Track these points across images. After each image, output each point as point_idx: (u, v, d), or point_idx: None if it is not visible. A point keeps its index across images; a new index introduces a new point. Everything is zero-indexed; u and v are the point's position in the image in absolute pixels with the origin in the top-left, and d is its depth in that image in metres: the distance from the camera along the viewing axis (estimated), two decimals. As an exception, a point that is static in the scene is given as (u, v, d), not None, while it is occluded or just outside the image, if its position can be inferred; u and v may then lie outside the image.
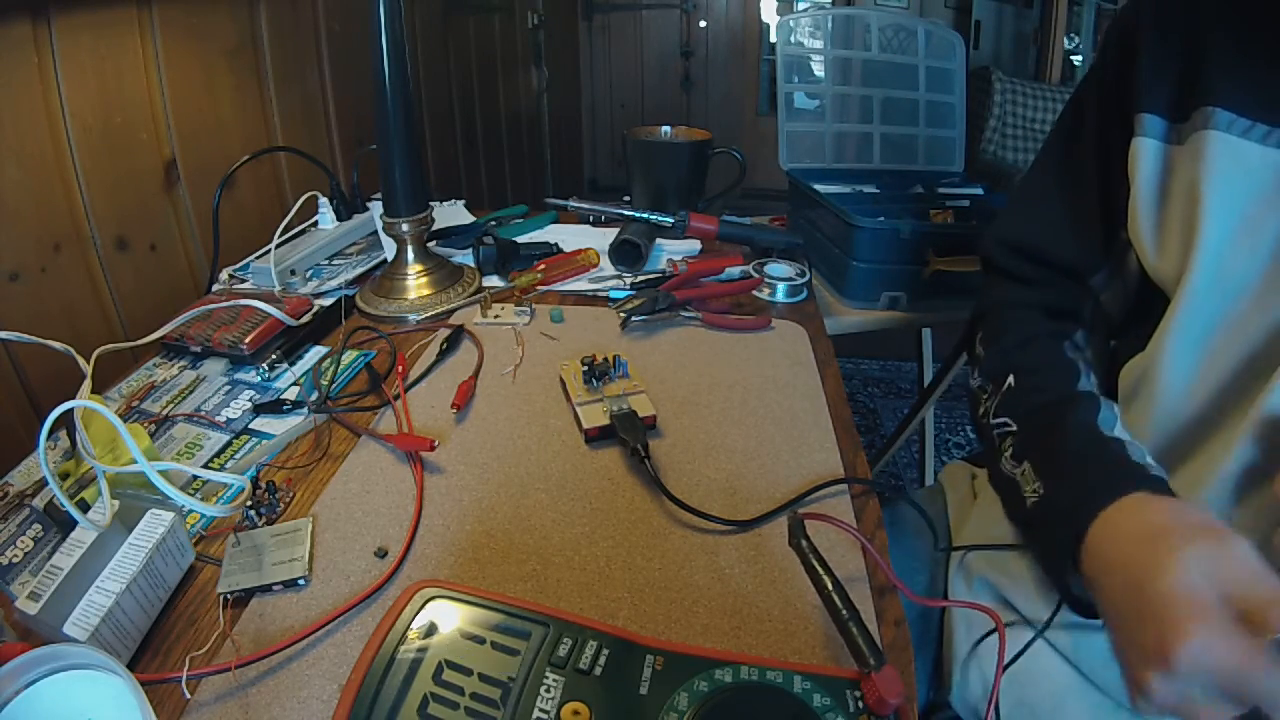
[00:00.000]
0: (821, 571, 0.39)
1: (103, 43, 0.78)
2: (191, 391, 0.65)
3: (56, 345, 0.53)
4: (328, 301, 0.79)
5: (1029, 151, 2.61)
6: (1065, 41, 2.88)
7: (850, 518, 0.51)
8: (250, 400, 0.64)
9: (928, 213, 1.17)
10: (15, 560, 0.46)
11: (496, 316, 0.78)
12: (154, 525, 0.43)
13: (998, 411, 0.52)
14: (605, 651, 0.35)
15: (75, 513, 0.42)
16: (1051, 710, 0.50)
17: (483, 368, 0.69)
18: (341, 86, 1.24)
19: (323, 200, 0.93)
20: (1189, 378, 0.45)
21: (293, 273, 0.84)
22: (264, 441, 0.59)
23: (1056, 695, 0.51)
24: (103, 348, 0.59)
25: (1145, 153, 0.48)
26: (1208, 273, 0.43)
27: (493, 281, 0.87)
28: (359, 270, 0.87)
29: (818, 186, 1.22)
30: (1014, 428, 0.50)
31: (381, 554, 0.48)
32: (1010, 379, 0.52)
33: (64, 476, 0.50)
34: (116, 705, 0.33)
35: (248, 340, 0.68)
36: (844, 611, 0.37)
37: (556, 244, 0.94)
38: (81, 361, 0.54)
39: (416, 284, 0.81)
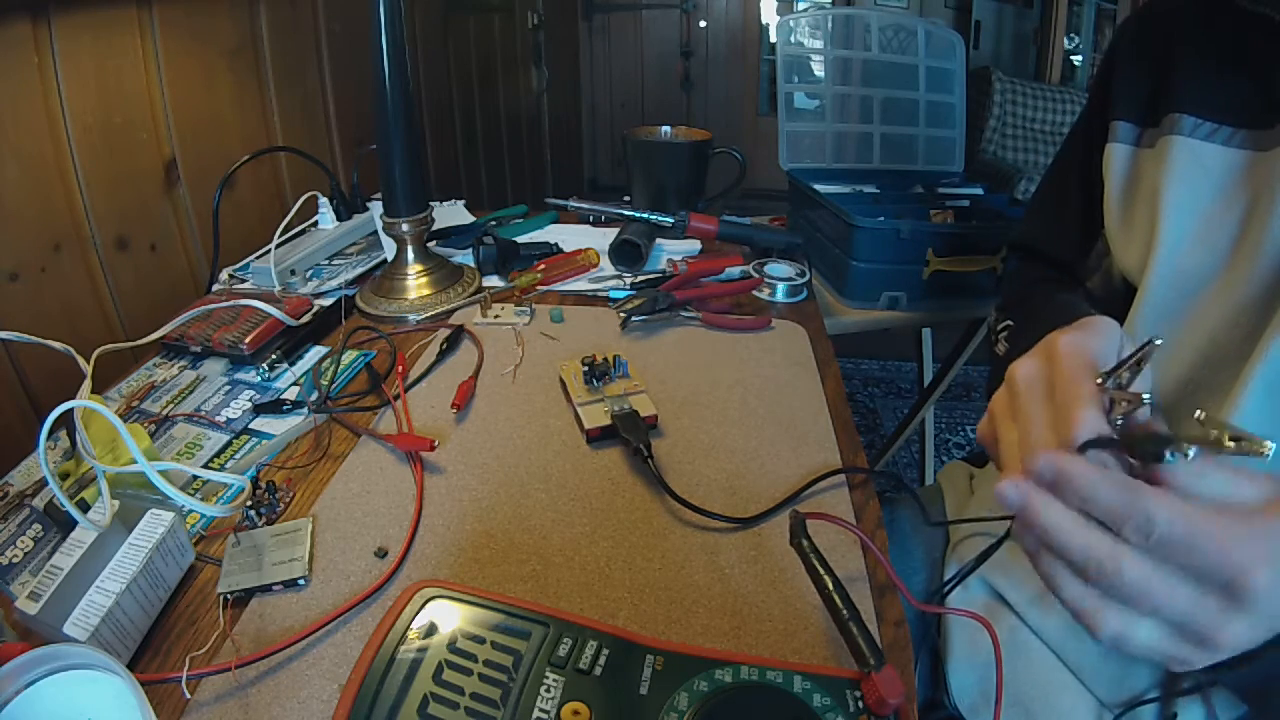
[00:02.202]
0: (822, 571, 0.39)
1: (103, 43, 0.78)
2: (191, 391, 0.65)
3: (56, 345, 0.53)
4: (328, 301, 0.79)
5: (1029, 151, 2.62)
6: (1065, 41, 2.89)
7: (850, 518, 0.51)
8: (250, 400, 0.64)
9: (928, 213, 1.17)
10: (15, 560, 0.46)
11: (496, 316, 0.78)
12: (154, 525, 0.43)
13: (1003, 319, 0.60)
14: (605, 651, 0.35)
15: (75, 513, 0.42)
16: (1042, 703, 0.51)
17: (483, 368, 0.69)
18: (341, 86, 1.24)
19: (323, 200, 0.93)
20: (1153, 370, 0.46)
21: (293, 273, 0.84)
22: (264, 441, 0.59)
23: (1043, 687, 0.51)
24: (103, 348, 0.59)
25: (1116, 157, 0.51)
26: (1165, 268, 0.45)
27: (493, 281, 0.87)
28: (359, 270, 0.87)
29: (818, 186, 1.22)
30: (1012, 324, 0.58)
31: (381, 554, 0.48)
32: (1020, 303, 0.61)
33: (64, 476, 0.50)
34: (116, 705, 0.33)
35: (248, 340, 0.68)
36: (844, 611, 0.37)
37: (556, 244, 0.94)
38: (81, 361, 0.54)
39: (416, 284, 0.81)
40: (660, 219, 0.92)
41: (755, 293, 0.84)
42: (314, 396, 0.63)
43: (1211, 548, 0.27)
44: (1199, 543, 0.27)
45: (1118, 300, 0.56)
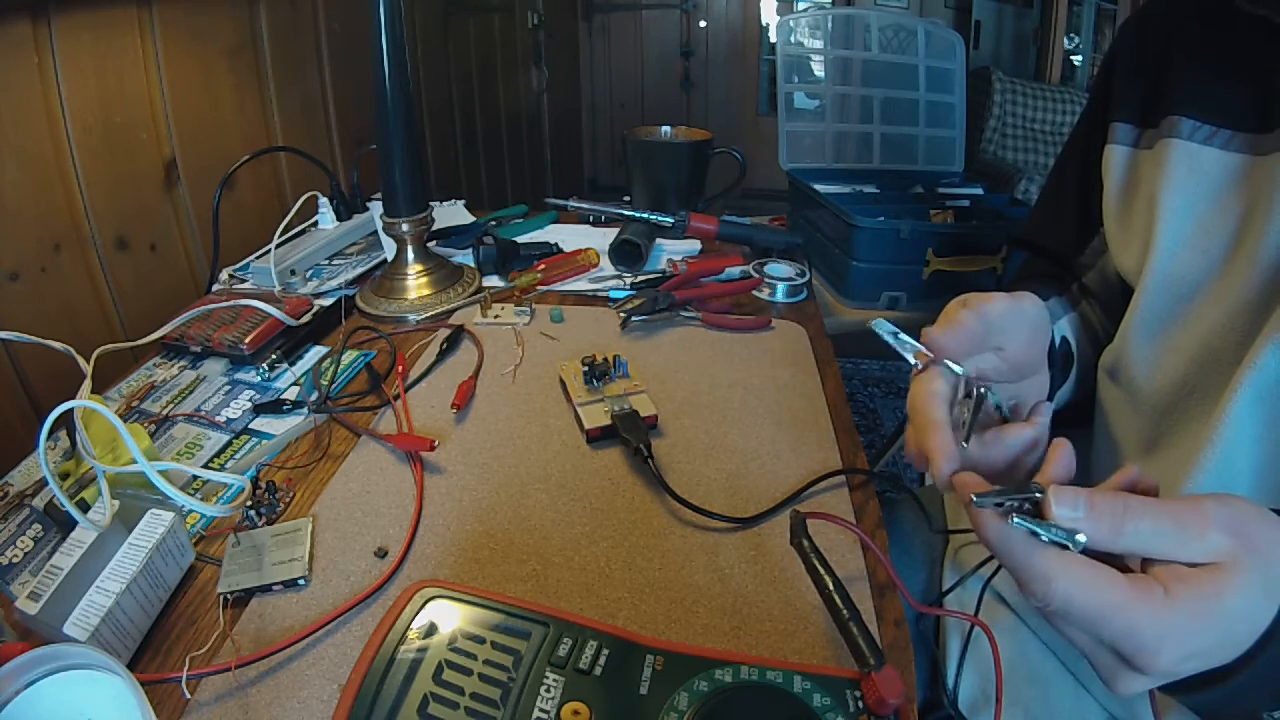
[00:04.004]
0: (822, 571, 0.39)
1: (103, 43, 0.78)
2: (191, 391, 0.65)
3: (56, 345, 0.53)
4: (328, 301, 0.79)
5: (1029, 151, 2.61)
6: (1065, 41, 2.88)
7: (850, 518, 0.51)
8: (250, 400, 0.64)
9: (928, 213, 1.18)
10: (15, 560, 0.46)
11: (496, 316, 0.78)
12: (154, 525, 0.43)
13: None
14: (605, 651, 0.35)
15: (75, 513, 0.42)
16: (1041, 704, 0.51)
17: (483, 368, 0.69)
18: (341, 86, 1.24)
19: (323, 200, 0.93)
20: (1150, 371, 0.47)
21: (293, 273, 0.84)
22: (264, 441, 0.59)
23: (1042, 687, 0.51)
24: (103, 348, 0.59)
25: (1115, 159, 0.51)
26: (1161, 272, 0.45)
27: (493, 281, 0.87)
28: (359, 270, 0.87)
29: (818, 186, 1.22)
30: None
31: (381, 554, 0.48)
32: None
33: (64, 476, 0.50)
34: (116, 705, 0.33)
35: (248, 340, 0.68)
36: (844, 611, 0.37)
37: (556, 244, 0.94)
38: (81, 361, 0.54)
39: (416, 284, 0.81)
40: (660, 219, 0.92)
41: (755, 293, 0.84)
42: (314, 396, 0.63)
43: (1113, 627, 0.27)
44: (1099, 618, 0.27)
45: (1114, 296, 0.56)
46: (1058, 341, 0.50)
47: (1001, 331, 0.40)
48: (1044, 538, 0.28)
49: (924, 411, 0.37)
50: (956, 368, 0.38)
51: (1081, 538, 0.27)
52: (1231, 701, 0.30)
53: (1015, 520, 0.28)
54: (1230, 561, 0.27)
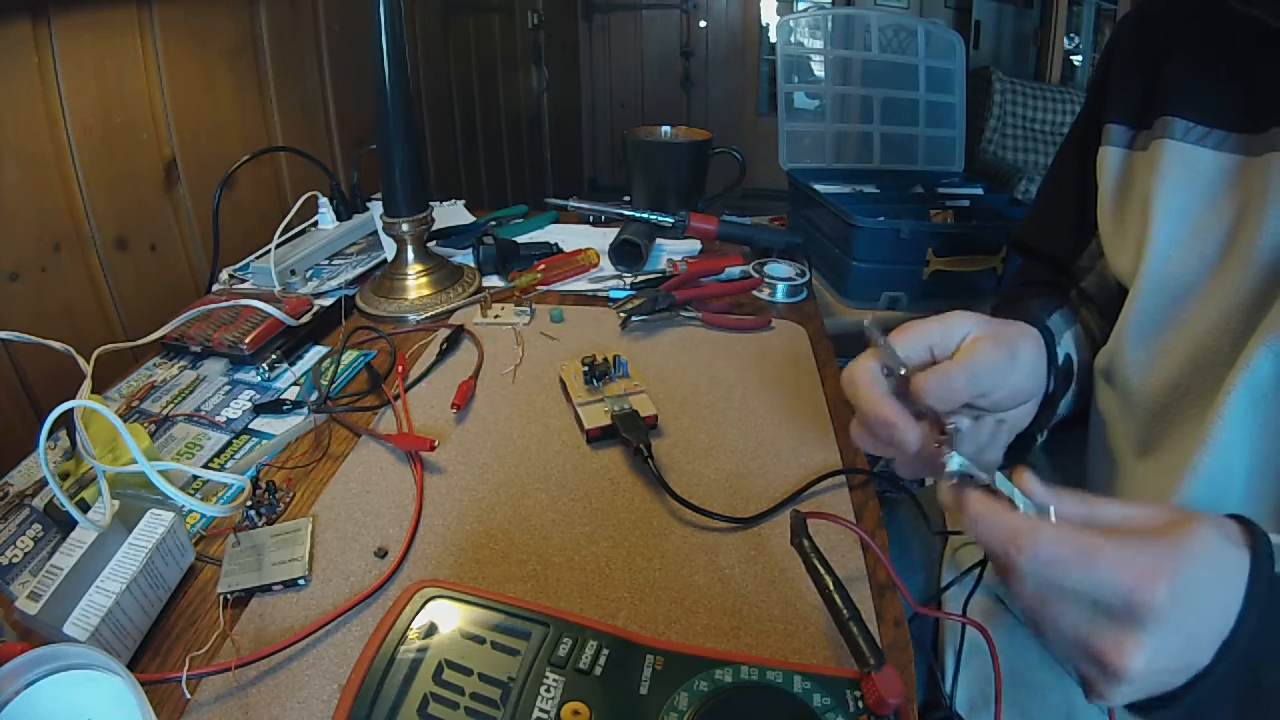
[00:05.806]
0: (822, 571, 0.39)
1: (103, 43, 0.78)
2: (191, 391, 0.65)
3: (56, 345, 0.53)
4: (328, 301, 0.79)
5: (1029, 151, 2.62)
6: (1065, 41, 2.88)
7: (850, 518, 0.51)
8: (250, 400, 0.64)
9: (928, 213, 1.18)
10: (15, 560, 0.46)
11: (496, 316, 0.78)
12: (154, 525, 0.43)
13: None
14: (605, 651, 0.35)
15: (75, 513, 0.42)
16: (1040, 704, 0.51)
17: (483, 368, 0.69)
18: (341, 86, 1.24)
19: (323, 200, 0.93)
20: (1143, 373, 0.46)
21: (293, 273, 0.84)
22: (264, 441, 0.59)
23: (1041, 689, 0.51)
24: (103, 348, 0.59)
25: (1109, 160, 0.51)
26: (1155, 273, 0.45)
27: (493, 281, 0.87)
28: (359, 270, 0.87)
29: (818, 186, 1.22)
30: None
31: (381, 554, 0.48)
32: (1000, 309, 0.59)
33: (64, 476, 0.50)
34: (116, 705, 0.33)
35: (248, 340, 0.68)
36: (844, 611, 0.37)
37: (556, 244, 0.94)
38: (81, 361, 0.54)
39: (416, 284, 0.81)
40: (660, 219, 0.92)
41: (755, 293, 0.84)
42: (314, 396, 0.63)
43: (1103, 566, 0.27)
44: (1084, 562, 0.27)
45: (1113, 299, 0.56)
46: (1061, 359, 0.50)
47: (991, 387, 0.39)
48: (1019, 507, 0.29)
49: (866, 386, 0.38)
50: (899, 353, 0.39)
51: (1054, 514, 0.29)
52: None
53: (998, 477, 0.30)
54: (1190, 521, 0.28)
